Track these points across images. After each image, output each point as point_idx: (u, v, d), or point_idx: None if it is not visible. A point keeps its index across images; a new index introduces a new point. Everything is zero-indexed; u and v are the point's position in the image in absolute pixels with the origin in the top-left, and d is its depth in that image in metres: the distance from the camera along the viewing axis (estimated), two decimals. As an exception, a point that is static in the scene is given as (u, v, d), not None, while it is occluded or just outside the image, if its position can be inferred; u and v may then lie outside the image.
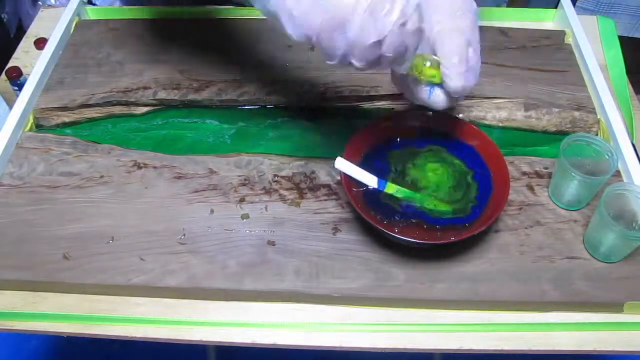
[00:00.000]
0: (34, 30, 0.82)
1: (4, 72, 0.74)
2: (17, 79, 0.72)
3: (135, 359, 1.18)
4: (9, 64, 0.78)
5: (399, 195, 0.55)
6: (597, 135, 0.65)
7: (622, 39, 0.79)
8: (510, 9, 0.83)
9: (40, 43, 0.75)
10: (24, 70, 0.75)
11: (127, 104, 0.68)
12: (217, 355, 1.12)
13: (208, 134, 0.67)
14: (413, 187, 0.56)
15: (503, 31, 0.77)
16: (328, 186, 0.61)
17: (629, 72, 0.75)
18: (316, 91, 0.69)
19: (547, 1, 1.42)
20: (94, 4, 0.85)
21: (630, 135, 0.65)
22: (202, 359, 1.13)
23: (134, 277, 0.54)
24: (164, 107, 0.69)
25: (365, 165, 0.55)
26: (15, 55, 0.80)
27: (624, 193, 0.54)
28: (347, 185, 0.54)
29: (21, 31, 1.60)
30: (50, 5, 1.52)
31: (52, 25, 0.77)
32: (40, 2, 1.58)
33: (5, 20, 1.54)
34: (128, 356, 1.18)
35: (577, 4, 1.32)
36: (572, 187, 0.57)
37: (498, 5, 1.37)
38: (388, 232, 0.52)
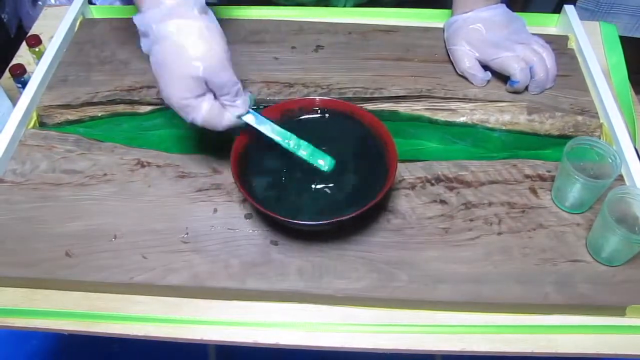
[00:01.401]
0: (37, 29, 0.82)
1: (7, 70, 0.74)
2: (21, 76, 0.72)
3: (136, 358, 1.17)
4: (13, 62, 0.78)
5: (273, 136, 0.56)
6: (600, 139, 0.65)
7: (622, 39, 0.80)
8: (514, 14, 0.84)
9: (32, 40, 0.74)
10: (26, 68, 0.75)
11: (130, 102, 0.68)
12: (217, 355, 1.12)
13: (213, 133, 0.67)
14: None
15: (506, 35, 0.77)
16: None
17: (629, 72, 0.75)
18: (320, 92, 0.69)
19: (546, 4, 1.43)
20: (94, 3, 0.85)
21: (633, 139, 0.65)
22: (203, 358, 1.13)
23: (136, 276, 0.54)
24: (167, 105, 0.69)
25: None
26: (18, 53, 0.80)
27: (626, 196, 0.54)
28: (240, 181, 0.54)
29: (21, 31, 1.60)
30: (51, 5, 1.52)
31: (55, 23, 0.77)
32: (40, 2, 1.58)
33: (5, 20, 1.54)
34: (129, 355, 1.18)
35: (577, 4, 1.32)
36: (575, 191, 0.57)
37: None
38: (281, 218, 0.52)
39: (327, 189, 0.57)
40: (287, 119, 0.61)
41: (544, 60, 0.68)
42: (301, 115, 0.62)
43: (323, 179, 0.57)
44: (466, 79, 0.70)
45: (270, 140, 0.57)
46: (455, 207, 0.59)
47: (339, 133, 0.61)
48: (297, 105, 0.62)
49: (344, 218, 0.52)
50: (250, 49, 0.74)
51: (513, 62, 0.67)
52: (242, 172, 0.56)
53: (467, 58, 0.69)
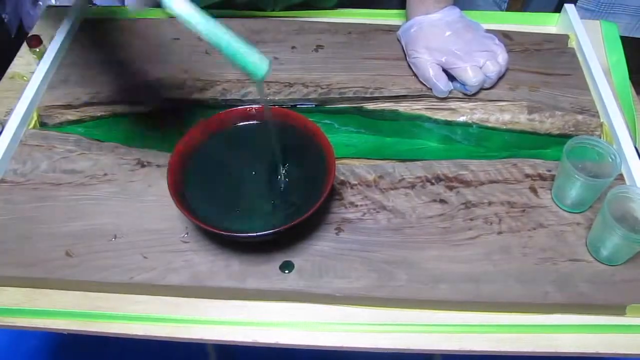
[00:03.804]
0: (37, 29, 0.82)
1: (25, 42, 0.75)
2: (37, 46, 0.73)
3: (136, 357, 1.18)
4: (14, 62, 0.78)
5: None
6: (600, 138, 0.65)
7: (622, 39, 0.79)
8: (513, 13, 0.84)
9: (33, 41, 0.75)
10: (27, 68, 0.76)
11: (131, 102, 0.69)
12: (217, 354, 1.12)
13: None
14: None
15: (506, 35, 0.77)
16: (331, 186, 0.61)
17: (630, 72, 0.75)
18: (320, 92, 0.69)
19: (546, 4, 1.43)
20: (94, 4, 0.85)
21: (633, 138, 0.65)
22: (203, 358, 1.13)
23: (136, 275, 0.54)
24: (168, 105, 0.69)
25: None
26: (19, 54, 0.80)
27: (627, 195, 0.54)
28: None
29: (22, 31, 1.60)
30: (51, 5, 1.52)
31: (56, 24, 0.77)
32: (40, 3, 1.58)
33: (5, 20, 1.54)
34: (129, 355, 1.18)
35: (577, 4, 1.33)
36: (575, 190, 0.57)
37: (499, 8, 1.38)
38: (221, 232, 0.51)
39: (270, 199, 0.57)
40: (223, 128, 0.60)
41: (501, 70, 0.68)
42: (237, 123, 0.61)
43: (266, 189, 0.57)
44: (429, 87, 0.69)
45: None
46: (455, 207, 0.59)
47: (277, 139, 0.59)
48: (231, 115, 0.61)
49: (282, 228, 0.51)
50: (250, 49, 0.74)
51: (471, 73, 0.66)
52: (180, 184, 0.55)
53: (430, 67, 0.68)
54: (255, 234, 0.52)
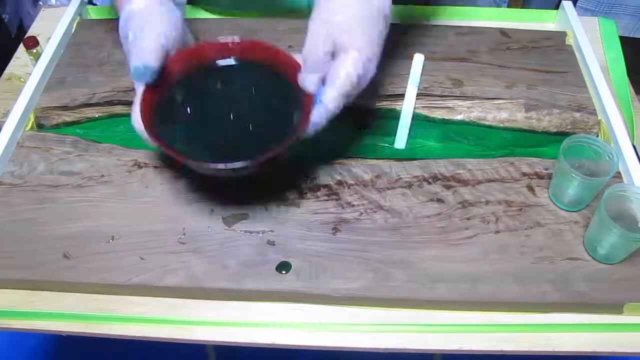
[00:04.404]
0: (35, 30, 0.82)
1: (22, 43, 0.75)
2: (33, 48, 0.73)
3: (136, 357, 1.18)
4: (10, 63, 0.78)
5: None
6: (597, 136, 0.65)
7: (622, 39, 0.79)
8: (511, 10, 0.84)
9: (29, 42, 0.75)
10: (24, 70, 0.76)
11: (128, 103, 0.68)
12: (217, 355, 1.12)
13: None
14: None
15: (504, 32, 0.77)
16: (328, 186, 0.61)
17: (629, 72, 0.75)
18: (317, 91, 0.68)
19: (546, 4, 1.43)
20: (95, 4, 0.85)
21: (631, 136, 0.65)
22: (203, 358, 1.13)
23: (134, 277, 0.54)
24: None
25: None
26: (16, 54, 0.80)
27: (624, 194, 0.54)
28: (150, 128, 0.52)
29: (22, 31, 1.60)
30: (51, 5, 1.52)
31: (53, 25, 0.77)
32: (41, 2, 1.58)
33: (6, 20, 1.54)
34: (128, 356, 1.18)
35: (577, 4, 1.32)
36: (572, 188, 0.57)
37: (498, 6, 1.37)
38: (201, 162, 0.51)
39: (246, 132, 0.55)
40: (200, 67, 0.58)
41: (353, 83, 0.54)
42: (215, 60, 0.59)
43: (241, 125, 0.56)
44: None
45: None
46: (452, 206, 0.59)
47: (253, 78, 0.58)
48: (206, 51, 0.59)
49: (264, 156, 0.49)
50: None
51: (306, 83, 0.53)
52: (154, 123, 0.53)
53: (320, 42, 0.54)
54: (230, 164, 0.49)
